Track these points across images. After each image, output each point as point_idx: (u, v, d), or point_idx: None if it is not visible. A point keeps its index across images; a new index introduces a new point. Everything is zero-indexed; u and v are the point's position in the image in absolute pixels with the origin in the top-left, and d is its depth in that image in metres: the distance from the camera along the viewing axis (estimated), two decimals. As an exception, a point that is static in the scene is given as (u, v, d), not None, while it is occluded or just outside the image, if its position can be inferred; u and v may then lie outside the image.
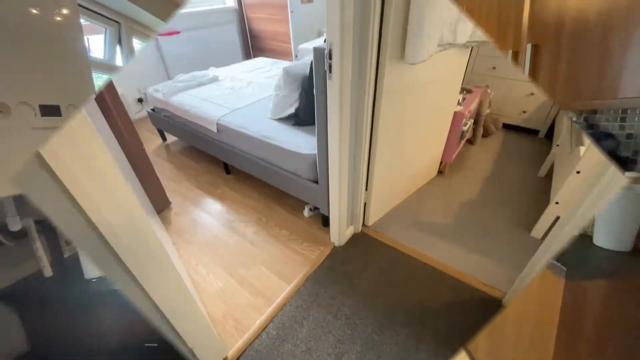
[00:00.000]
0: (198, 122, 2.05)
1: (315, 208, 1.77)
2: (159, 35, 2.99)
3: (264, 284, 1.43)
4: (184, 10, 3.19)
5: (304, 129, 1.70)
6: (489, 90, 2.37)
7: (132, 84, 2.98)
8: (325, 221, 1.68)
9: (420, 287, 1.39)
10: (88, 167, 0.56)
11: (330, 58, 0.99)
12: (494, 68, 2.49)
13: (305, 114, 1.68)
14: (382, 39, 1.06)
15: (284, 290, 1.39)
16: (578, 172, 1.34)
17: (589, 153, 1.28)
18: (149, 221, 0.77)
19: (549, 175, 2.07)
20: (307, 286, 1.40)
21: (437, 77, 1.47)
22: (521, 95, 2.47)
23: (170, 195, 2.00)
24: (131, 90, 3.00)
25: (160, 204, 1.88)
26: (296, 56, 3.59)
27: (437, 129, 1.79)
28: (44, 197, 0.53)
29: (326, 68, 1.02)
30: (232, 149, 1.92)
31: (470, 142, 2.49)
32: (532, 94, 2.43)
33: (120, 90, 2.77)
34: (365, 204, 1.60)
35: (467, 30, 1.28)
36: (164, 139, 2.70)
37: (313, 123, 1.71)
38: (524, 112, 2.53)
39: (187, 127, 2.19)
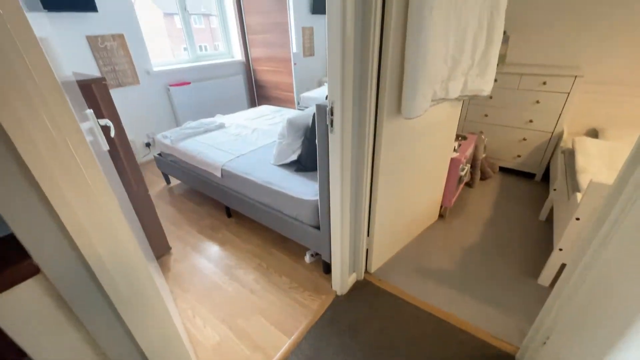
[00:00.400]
0: (203, 168, 2.11)
1: (317, 254, 1.75)
2: (171, 85, 3.20)
3: (263, 337, 1.36)
4: (196, 63, 3.46)
5: (305, 175, 1.75)
6: (483, 136, 2.47)
7: (141, 130, 3.12)
8: (326, 268, 1.65)
9: (428, 341, 1.32)
10: (89, 207, 0.58)
11: (332, 114, 1.07)
12: (486, 115, 2.62)
13: (308, 160, 1.74)
14: (379, 96, 1.15)
15: (283, 344, 1.32)
16: (577, 219, 1.35)
17: (587, 200, 1.31)
18: (148, 268, 0.77)
19: (550, 219, 2.08)
20: (308, 340, 1.33)
21: (433, 127, 1.55)
22: (514, 140, 2.57)
23: (171, 240, 1.99)
24: (140, 135, 3.13)
25: (160, 249, 1.86)
26: (298, 103, 3.81)
27: (436, 175, 1.84)
28: (35, 227, 0.54)
29: (328, 123, 1.09)
30: (235, 194, 1.95)
31: (469, 185, 2.53)
32: (524, 139, 2.53)
33: (130, 136, 2.90)
34: (367, 250, 1.58)
35: (458, 86, 1.38)
36: (168, 182, 2.75)
37: (315, 169, 1.78)
38: (519, 156, 2.61)
39: (192, 171, 2.25)
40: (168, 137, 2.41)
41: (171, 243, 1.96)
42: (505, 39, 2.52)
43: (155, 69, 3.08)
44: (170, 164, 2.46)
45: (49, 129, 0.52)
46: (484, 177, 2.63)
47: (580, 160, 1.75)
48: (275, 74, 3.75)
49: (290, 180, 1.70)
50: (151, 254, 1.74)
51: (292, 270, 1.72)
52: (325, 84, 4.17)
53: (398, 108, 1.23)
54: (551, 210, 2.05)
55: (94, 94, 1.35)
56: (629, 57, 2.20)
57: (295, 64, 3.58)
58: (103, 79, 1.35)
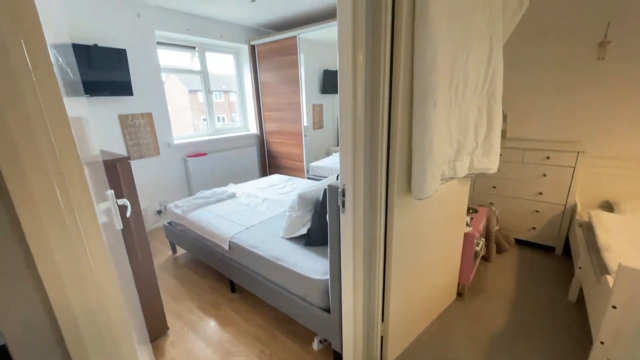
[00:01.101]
0: (211, 239, 2.09)
1: (326, 341, 1.59)
2: (188, 156, 3.40)
3: None
4: (214, 136, 3.72)
5: (315, 251, 1.70)
6: (493, 208, 2.45)
7: (155, 197, 3.21)
8: (337, 358, 1.48)
9: None
10: (81, 280, 0.54)
11: (343, 196, 1.08)
12: (494, 187, 2.64)
13: (317, 234, 1.72)
14: (389, 177, 1.18)
15: None
16: (614, 307, 1.23)
17: (620, 285, 1.21)
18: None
19: (581, 300, 1.90)
20: None
21: (443, 203, 1.55)
22: (526, 212, 2.53)
23: (169, 318, 1.86)
24: (153, 202, 3.20)
25: (157, 329, 1.73)
26: (308, 171, 3.96)
27: (451, 251, 1.77)
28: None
29: (340, 204, 1.11)
30: (241, 268, 1.88)
31: (485, 259, 2.41)
32: (537, 211, 2.49)
33: (144, 204, 2.97)
34: (382, 337, 1.44)
35: (465, 166, 1.42)
36: (174, 251, 2.70)
37: (324, 244, 1.74)
38: (534, 228, 2.54)
39: (199, 242, 2.23)
40: (180, 207, 2.46)
41: (170, 321, 1.83)
42: (504, 117, 2.69)
43: (176, 141, 3.32)
44: (178, 234, 2.45)
45: (60, 209, 0.53)
46: (500, 250, 2.52)
47: (602, 237, 1.67)
48: (287, 145, 3.97)
49: (298, 255, 1.65)
50: (146, 335, 1.61)
51: (298, 358, 1.55)
52: (333, 153, 4.38)
53: (408, 187, 1.25)
54: (580, 290, 1.90)
55: (118, 173, 1.43)
56: (631, 133, 2.28)
57: (305, 135, 3.83)
58: (128, 157, 1.44)
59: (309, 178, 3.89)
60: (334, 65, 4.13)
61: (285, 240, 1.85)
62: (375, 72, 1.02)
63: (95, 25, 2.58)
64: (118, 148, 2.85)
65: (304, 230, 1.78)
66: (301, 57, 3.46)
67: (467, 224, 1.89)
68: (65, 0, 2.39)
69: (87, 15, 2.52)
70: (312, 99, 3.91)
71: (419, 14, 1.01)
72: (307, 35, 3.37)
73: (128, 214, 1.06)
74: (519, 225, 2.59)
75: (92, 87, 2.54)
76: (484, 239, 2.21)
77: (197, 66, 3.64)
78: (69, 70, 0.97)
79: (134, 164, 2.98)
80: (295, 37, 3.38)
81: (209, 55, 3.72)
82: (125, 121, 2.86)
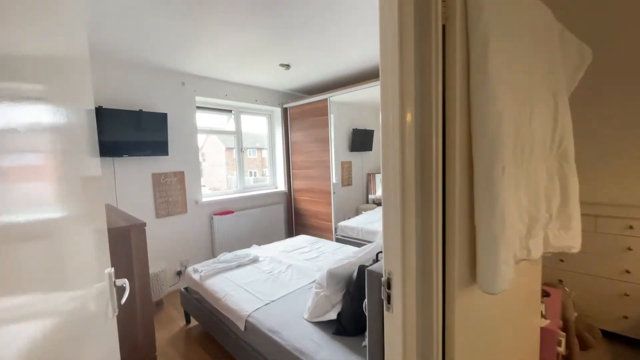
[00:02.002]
0: (227, 314, 1.83)
1: None
2: (215, 214, 3.32)
3: None
4: (242, 194, 3.68)
5: (347, 343, 1.37)
6: (566, 289, 1.98)
7: (176, 256, 3.07)
8: None
9: None
10: None
11: (389, 288, 0.83)
12: (562, 261, 2.19)
13: (350, 321, 1.40)
14: (446, 264, 0.92)
15: None
16: None
17: None
18: None
19: None
20: None
21: (513, 292, 1.21)
22: (612, 295, 2.02)
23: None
24: (174, 262, 3.06)
25: None
26: (336, 231, 3.70)
27: (526, 351, 1.35)
28: None
29: (384, 298, 0.85)
30: (257, 356, 1.57)
31: (566, 359, 1.86)
32: (626, 294, 1.97)
33: (163, 264, 2.83)
34: None
35: (539, 243, 1.12)
36: (188, 321, 2.44)
37: (357, 334, 1.41)
38: (625, 317, 1.99)
39: (214, 316, 1.97)
40: (198, 272, 2.27)
41: None
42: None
43: (204, 199, 3.29)
44: (194, 303, 2.22)
45: None
46: (584, 347, 1.96)
47: None
48: (315, 203, 3.82)
49: (327, 350, 1.33)
50: None
51: None
52: (363, 212, 4.13)
53: (470, 274, 0.97)
54: None
55: (130, 240, 1.30)
56: None
57: (334, 192, 3.68)
58: (143, 224, 1.33)
59: (337, 239, 3.61)
60: (362, 124, 4.14)
61: (311, 324, 1.54)
62: (426, 133, 0.85)
63: (144, 93, 2.79)
64: (147, 206, 2.84)
65: (333, 315, 1.48)
66: (331, 118, 3.50)
67: (542, 315, 1.48)
68: (120, 72, 2.64)
69: (137, 85, 2.75)
70: (341, 156, 3.86)
71: (476, 67, 0.86)
72: (337, 97, 3.44)
73: (124, 299, 0.88)
74: (604, 312, 2.05)
75: (133, 148, 2.65)
76: (564, 334, 1.72)
77: (232, 127, 3.80)
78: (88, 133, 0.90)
79: (161, 222, 2.93)
80: (326, 99, 3.46)
81: (243, 117, 3.89)
82: (157, 179, 2.90)
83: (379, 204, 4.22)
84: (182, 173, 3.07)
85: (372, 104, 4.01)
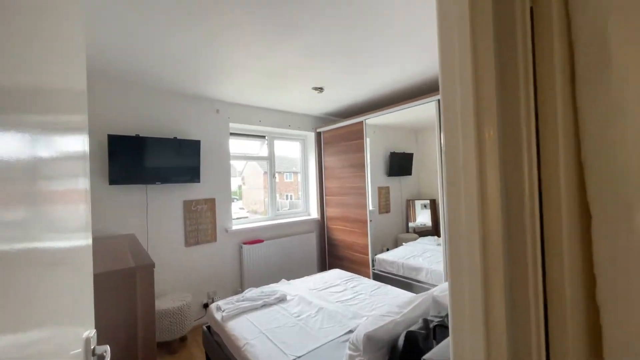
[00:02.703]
0: (245, 369, 1.58)
1: None
2: (244, 243, 3.18)
3: None
4: (273, 222, 3.52)
5: None
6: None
7: (204, 287, 2.93)
8: None
9: None
10: None
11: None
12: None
13: (394, 404, 1.07)
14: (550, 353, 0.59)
15: None
16: None
17: None
18: None
19: None
20: None
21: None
22: None
23: None
24: (201, 293, 2.92)
25: None
26: (373, 265, 3.33)
27: None
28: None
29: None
30: None
31: None
32: None
33: (188, 297, 2.69)
34: None
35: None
36: (209, 365, 2.22)
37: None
38: None
39: (233, 366, 1.73)
40: (221, 311, 2.07)
41: None
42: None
43: (234, 227, 3.17)
44: (214, 346, 2.01)
45: None
46: None
47: None
48: (349, 233, 3.52)
49: None
50: None
51: None
52: (403, 243, 3.72)
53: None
54: None
55: (135, 281, 1.14)
56: None
57: (370, 220, 3.36)
58: (152, 265, 1.17)
59: (374, 274, 3.24)
60: (400, 147, 3.84)
61: (342, 397, 1.23)
62: (511, 165, 0.57)
63: (179, 121, 2.83)
64: (177, 234, 2.78)
65: (372, 390, 1.16)
66: (367, 141, 3.27)
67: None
68: (158, 100, 2.71)
69: (173, 113, 2.79)
70: (377, 181, 3.56)
71: (588, 66, 0.58)
72: (372, 120, 3.23)
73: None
74: None
75: (166, 175, 2.64)
76: None
77: (265, 152, 3.74)
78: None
79: (189, 251, 2.85)
80: (361, 122, 3.26)
81: (276, 143, 3.83)
82: (188, 207, 2.85)
83: (419, 233, 3.80)
84: (212, 200, 3.01)
85: (411, 125, 3.72)
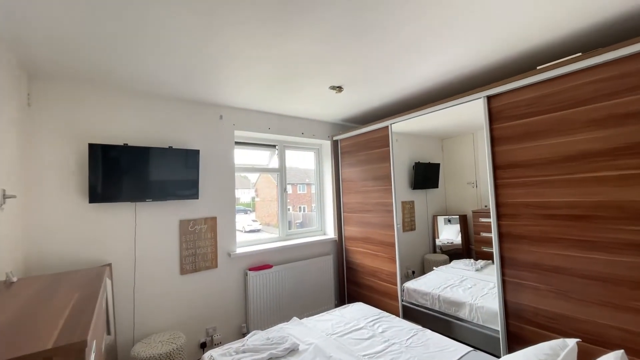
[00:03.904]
0: None
1: None
2: (250, 269, 2.73)
3: None
4: (283, 243, 3.06)
5: None
6: None
7: (201, 323, 2.48)
8: None
9: None
10: None
11: None
12: None
13: None
14: None
15: None
16: None
17: None
18: None
19: None
20: None
21: None
22: None
23: None
24: (198, 330, 2.46)
25: None
26: (402, 299, 2.79)
27: None
28: None
29: None
30: None
31: None
32: None
33: (180, 340, 2.22)
34: None
35: None
36: None
37: None
38: None
39: None
40: (214, 367, 1.61)
41: None
42: None
43: (239, 250, 2.73)
44: (204, 416, 1.53)
45: None
46: None
47: None
48: (373, 257, 3.01)
49: None
50: None
51: None
52: (434, 269, 3.16)
53: None
54: None
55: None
56: None
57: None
58: (83, 344, 0.72)
59: (404, 307, 2.70)
60: (425, 157, 3.34)
61: None
62: None
63: (175, 128, 2.46)
64: (170, 260, 2.37)
65: None
66: (392, 149, 2.80)
67: None
68: (148, 104, 2.35)
69: (168, 119, 2.43)
70: (401, 195, 3.06)
71: None
72: (396, 126, 2.77)
73: None
74: None
75: (158, 191, 2.25)
76: None
77: (275, 163, 3.32)
78: None
79: (185, 280, 2.42)
80: (386, 127, 2.80)
81: (288, 153, 3.41)
82: (185, 227, 2.44)
83: (446, 252, 3.25)
84: (214, 219, 2.59)
85: (436, 132, 3.24)
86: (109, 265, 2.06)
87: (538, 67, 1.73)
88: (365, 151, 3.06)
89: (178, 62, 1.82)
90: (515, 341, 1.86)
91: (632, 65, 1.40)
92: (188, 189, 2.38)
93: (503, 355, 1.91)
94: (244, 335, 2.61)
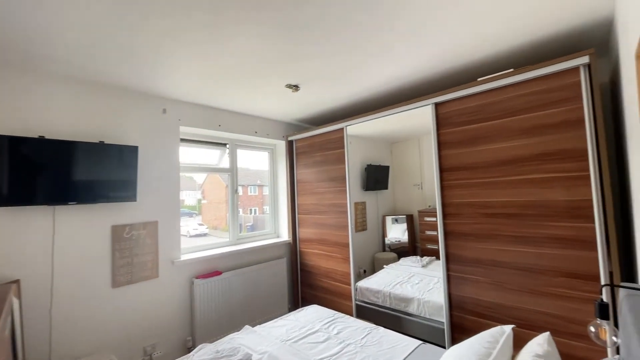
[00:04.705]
0: None
1: None
2: (197, 277, 2.51)
3: None
4: (234, 247, 2.89)
5: None
6: None
7: (138, 341, 2.20)
8: None
9: None
10: None
11: None
12: None
13: None
14: None
15: None
16: None
17: None
18: None
19: None
20: None
21: None
22: None
23: None
24: (134, 349, 2.18)
25: None
26: (355, 298, 2.84)
27: None
28: None
29: None
30: None
31: None
32: None
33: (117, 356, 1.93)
34: None
35: None
36: None
37: None
38: None
39: None
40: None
41: None
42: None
43: (184, 257, 2.50)
44: None
45: None
46: None
47: None
48: (327, 258, 3.01)
49: None
50: None
51: None
52: (385, 267, 3.28)
53: None
54: None
55: None
56: None
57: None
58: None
59: (357, 306, 2.75)
60: (376, 160, 3.47)
61: None
62: None
63: (110, 121, 2.15)
64: (100, 271, 2.05)
65: None
66: (347, 151, 2.84)
67: None
68: (76, 92, 2.02)
69: (100, 110, 2.11)
70: (354, 196, 3.14)
71: None
72: (349, 129, 2.82)
73: None
74: None
75: (85, 193, 1.93)
76: None
77: (226, 163, 3.13)
78: None
79: (118, 293, 2.12)
80: (342, 129, 2.83)
81: (240, 152, 3.24)
82: (119, 233, 2.14)
83: (395, 250, 3.42)
84: (154, 224, 2.33)
85: (386, 137, 3.41)
86: (16, 282, 1.70)
87: (478, 79, 1.89)
88: (321, 152, 3.05)
89: (110, 42, 1.58)
90: (459, 331, 2.00)
91: (554, 82, 1.61)
92: (123, 190, 2.10)
93: (448, 345, 2.04)
94: (189, 350, 2.39)
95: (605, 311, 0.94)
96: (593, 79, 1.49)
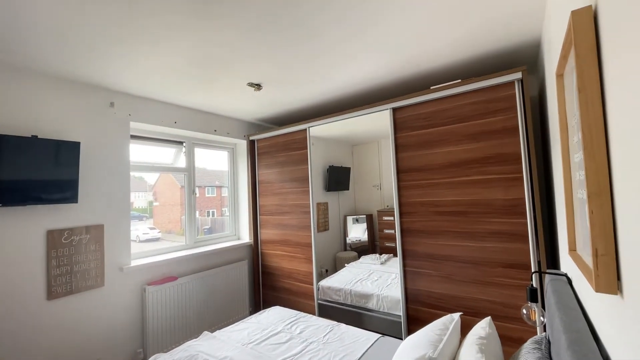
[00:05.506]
0: None
1: None
2: (149, 284, 2.34)
3: None
4: (191, 251, 2.75)
5: None
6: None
7: (81, 356, 1.99)
8: None
9: None
10: None
11: None
12: None
13: None
14: None
15: None
16: None
17: None
18: None
19: None
20: None
21: None
22: None
23: None
24: (88, 354, 1.97)
25: None
26: (318, 297, 2.87)
27: None
28: None
29: None
30: None
31: None
32: None
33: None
34: None
35: None
36: None
37: None
38: None
39: None
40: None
41: None
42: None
43: (134, 263, 2.32)
44: None
45: None
46: None
47: None
48: (290, 259, 3.00)
49: None
50: None
51: None
52: (346, 265, 3.38)
53: None
54: None
55: None
56: None
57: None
58: None
59: (319, 305, 2.78)
60: (337, 161, 3.57)
61: None
62: None
63: (45, 114, 1.92)
64: (32, 281, 1.82)
65: None
66: (310, 152, 2.87)
67: None
68: (6, 79, 1.77)
69: (32, 100, 1.88)
70: (316, 197, 3.19)
71: None
72: (312, 130, 2.86)
73: None
74: None
75: (13, 193, 1.70)
76: None
77: (182, 163, 2.97)
78: None
79: (55, 305, 1.90)
80: (305, 130, 2.85)
81: (198, 151, 3.10)
82: (56, 239, 1.92)
83: (355, 249, 3.55)
84: (100, 227, 2.12)
85: (348, 139, 3.52)
86: None
87: (431, 87, 2.04)
88: (284, 153, 3.04)
89: (47, 22, 1.42)
90: (414, 323, 2.13)
91: (495, 94, 1.81)
92: (62, 190, 1.89)
93: (405, 336, 2.17)
94: (140, 362, 2.22)
95: (534, 295, 1.08)
96: (525, 93, 1.70)
